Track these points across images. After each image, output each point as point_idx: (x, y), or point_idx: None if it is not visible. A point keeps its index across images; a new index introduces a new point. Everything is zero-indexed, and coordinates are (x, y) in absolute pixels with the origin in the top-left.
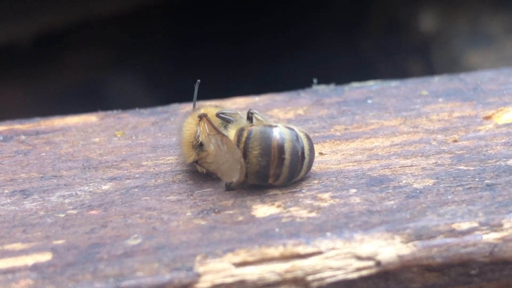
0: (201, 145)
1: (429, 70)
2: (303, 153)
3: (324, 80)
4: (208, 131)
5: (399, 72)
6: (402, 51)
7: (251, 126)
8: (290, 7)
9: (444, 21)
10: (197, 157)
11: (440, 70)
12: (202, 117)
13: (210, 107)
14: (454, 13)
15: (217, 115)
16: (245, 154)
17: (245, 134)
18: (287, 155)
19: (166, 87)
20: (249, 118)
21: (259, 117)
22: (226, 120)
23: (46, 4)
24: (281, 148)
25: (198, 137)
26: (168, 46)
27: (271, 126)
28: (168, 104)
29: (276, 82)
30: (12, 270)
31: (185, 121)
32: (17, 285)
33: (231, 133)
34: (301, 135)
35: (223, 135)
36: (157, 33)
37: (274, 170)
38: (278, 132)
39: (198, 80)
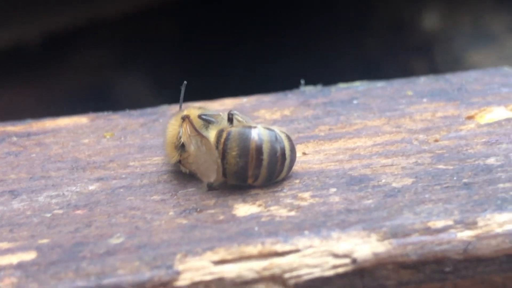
0: (183, 146)
1: (433, 69)
2: (283, 153)
3: (328, 79)
4: (189, 132)
5: (403, 71)
6: (406, 50)
7: (230, 127)
8: (296, 7)
9: (447, 20)
10: (180, 158)
11: (443, 69)
12: (184, 118)
13: (193, 108)
14: (457, 12)
15: (199, 116)
16: (223, 155)
17: (224, 135)
18: (265, 156)
19: (174, 87)
20: (230, 119)
21: (239, 118)
22: (207, 121)
23: (54, 5)
24: (259, 149)
25: (180, 138)
26: (176, 46)
27: (250, 127)
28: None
29: (281, 82)
30: None
31: (169, 122)
32: (1, 283)
33: (212, 134)
34: (282, 136)
35: (203, 136)
36: (164, 34)
37: (252, 171)
38: (257, 133)
39: (185, 82)
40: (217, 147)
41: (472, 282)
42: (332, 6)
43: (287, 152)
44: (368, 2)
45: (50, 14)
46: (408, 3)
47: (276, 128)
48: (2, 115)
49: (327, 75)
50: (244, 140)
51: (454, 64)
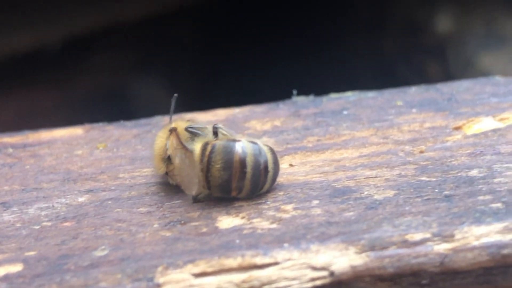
0: (169, 158)
1: (446, 71)
2: (265, 167)
3: (344, 83)
4: (175, 145)
5: (418, 73)
6: (421, 53)
7: (215, 140)
8: (317, 10)
9: (460, 23)
10: (167, 170)
11: (456, 72)
12: (171, 131)
13: (181, 121)
14: (470, 15)
15: (186, 129)
16: (208, 168)
17: (209, 148)
18: (248, 169)
19: (190, 91)
20: (215, 133)
21: (224, 132)
22: (194, 134)
23: (73, 9)
24: (242, 162)
25: (167, 151)
26: (193, 50)
27: (234, 141)
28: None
29: (302, 85)
30: None
31: (157, 134)
32: None
33: (197, 146)
34: (265, 149)
35: (187, 149)
36: (182, 37)
37: (236, 184)
38: (241, 147)
39: (175, 94)
40: (202, 160)
41: None
42: (348, 10)
43: (270, 165)
44: (384, 6)
45: (69, 18)
46: (420, 6)
47: (259, 142)
48: (21, 118)
49: (330, 81)
50: (228, 153)
51: (466, 67)
